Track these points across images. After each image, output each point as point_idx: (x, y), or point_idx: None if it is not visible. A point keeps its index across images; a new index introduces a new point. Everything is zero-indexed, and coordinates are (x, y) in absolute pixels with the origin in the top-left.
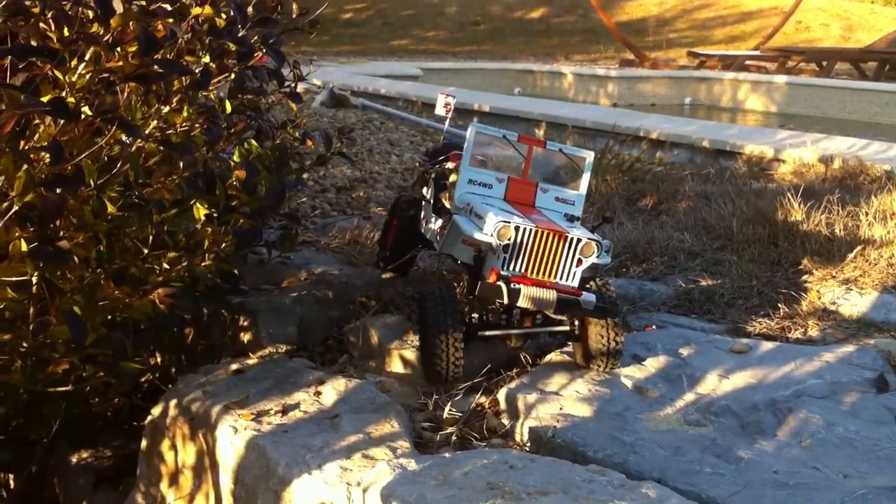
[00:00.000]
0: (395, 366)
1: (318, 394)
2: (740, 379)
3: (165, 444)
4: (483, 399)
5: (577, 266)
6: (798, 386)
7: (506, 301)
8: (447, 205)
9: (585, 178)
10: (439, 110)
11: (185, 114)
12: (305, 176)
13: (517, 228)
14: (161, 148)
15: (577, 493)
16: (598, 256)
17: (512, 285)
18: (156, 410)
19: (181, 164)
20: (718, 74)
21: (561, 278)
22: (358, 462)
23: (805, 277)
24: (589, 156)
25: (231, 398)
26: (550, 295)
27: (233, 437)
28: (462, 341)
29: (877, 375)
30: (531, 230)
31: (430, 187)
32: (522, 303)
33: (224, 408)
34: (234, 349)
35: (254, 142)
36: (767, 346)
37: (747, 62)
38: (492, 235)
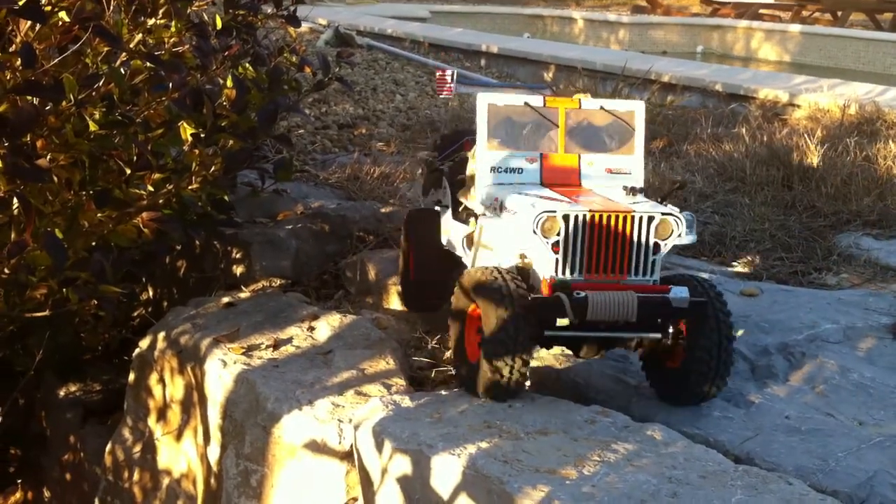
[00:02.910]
0: (393, 302)
1: (311, 329)
2: (751, 322)
3: (153, 378)
4: None
5: (654, 253)
6: (811, 330)
7: (570, 318)
8: (470, 206)
9: (640, 137)
10: (442, 91)
11: (173, 28)
12: (308, 111)
13: (566, 217)
14: (148, 65)
15: (578, 433)
16: (679, 235)
17: (575, 294)
18: (144, 343)
19: (170, 84)
20: (732, 22)
21: (636, 274)
22: (350, 399)
23: (820, 221)
24: (639, 107)
25: (221, 331)
26: (628, 298)
27: (222, 370)
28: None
29: (894, 321)
30: (584, 216)
31: (446, 188)
32: (593, 315)
33: (213, 341)
34: (227, 282)
35: (248, 66)
36: (780, 289)
37: (761, 10)
38: (535, 233)
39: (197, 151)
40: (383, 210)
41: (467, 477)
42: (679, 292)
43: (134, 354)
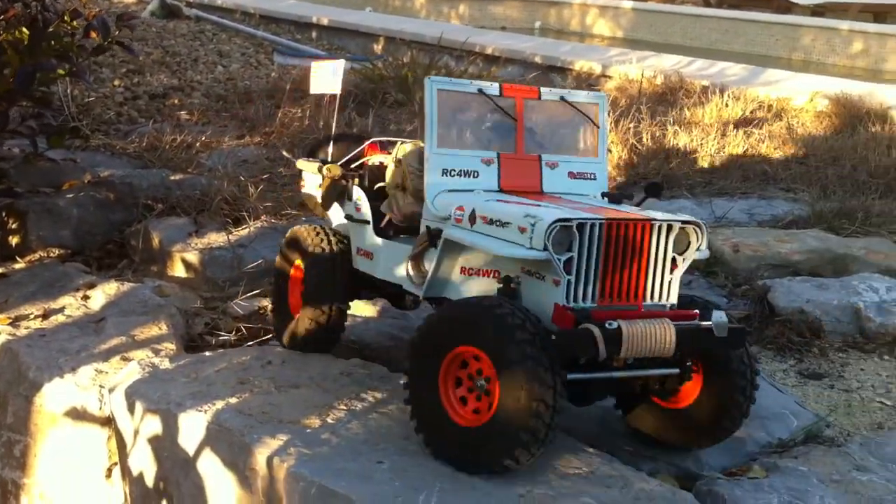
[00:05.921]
0: (178, 269)
1: (86, 298)
2: None
3: None
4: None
5: (671, 271)
6: None
7: (602, 355)
8: (400, 221)
9: (603, 136)
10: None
11: None
12: (119, 82)
13: (581, 228)
14: None
15: (330, 385)
16: (699, 248)
17: (607, 325)
18: None
19: None
20: None
21: (654, 297)
22: (115, 365)
23: (608, 184)
24: (601, 100)
25: None
26: (665, 329)
27: None
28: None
29: None
30: (601, 225)
31: (357, 202)
32: (627, 351)
33: None
34: (2, 253)
35: (25, 30)
36: None
37: None
38: (545, 247)
39: None
40: (173, 177)
41: (211, 432)
42: (719, 317)
43: None
